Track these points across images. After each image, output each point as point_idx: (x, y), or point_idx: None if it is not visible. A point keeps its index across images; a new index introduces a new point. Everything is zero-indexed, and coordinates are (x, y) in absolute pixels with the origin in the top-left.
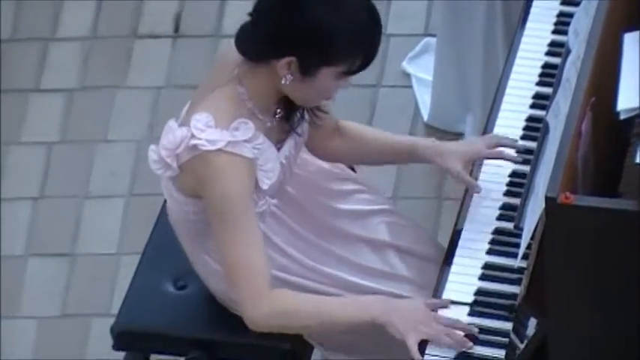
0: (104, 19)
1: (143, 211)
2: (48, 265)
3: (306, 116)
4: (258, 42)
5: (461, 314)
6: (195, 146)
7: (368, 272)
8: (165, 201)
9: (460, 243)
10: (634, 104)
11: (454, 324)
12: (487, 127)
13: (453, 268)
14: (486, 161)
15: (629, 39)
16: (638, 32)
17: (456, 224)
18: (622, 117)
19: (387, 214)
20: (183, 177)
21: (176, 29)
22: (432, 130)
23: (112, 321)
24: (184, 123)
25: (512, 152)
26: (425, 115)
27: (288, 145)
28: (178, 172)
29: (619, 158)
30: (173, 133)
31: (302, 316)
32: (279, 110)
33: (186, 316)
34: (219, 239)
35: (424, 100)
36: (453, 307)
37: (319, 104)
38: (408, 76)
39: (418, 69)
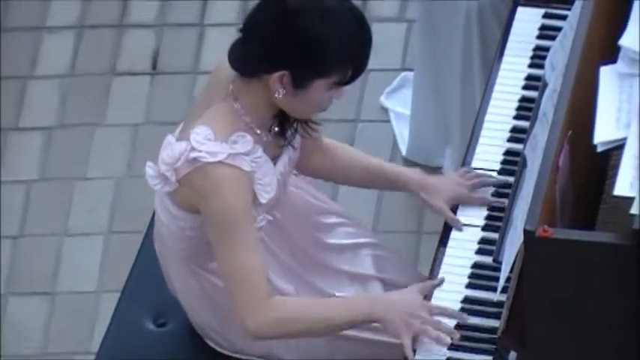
0: (82, 56)
1: (123, 248)
2: (28, 303)
3: (300, 130)
4: (249, 58)
5: (441, 347)
6: (195, 159)
7: None
8: (146, 233)
9: (439, 277)
10: (611, 137)
11: (444, 312)
12: (465, 161)
13: (433, 301)
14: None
15: (605, 72)
16: (614, 65)
17: (435, 258)
18: (599, 150)
19: (371, 247)
20: (181, 191)
21: (154, 66)
22: (410, 164)
23: (92, 359)
24: (182, 138)
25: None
26: (403, 149)
27: (283, 161)
28: (177, 187)
29: (597, 191)
30: (172, 148)
31: (301, 322)
32: (274, 126)
33: (166, 353)
34: (217, 251)
35: (402, 135)
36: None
37: (313, 116)
38: (385, 110)
39: (396, 103)
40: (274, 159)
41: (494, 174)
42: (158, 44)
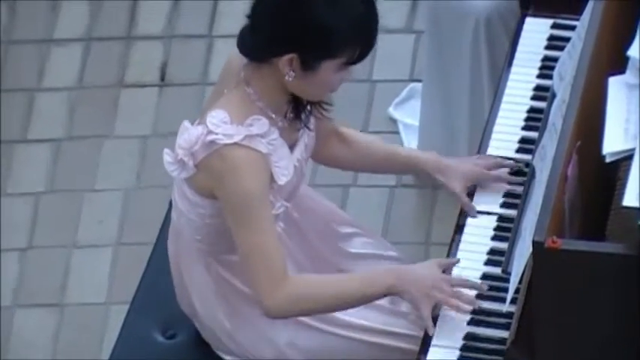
0: (90, 68)
1: (131, 260)
2: (36, 315)
3: (314, 111)
4: (258, 43)
5: (450, 358)
6: (212, 142)
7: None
8: (155, 244)
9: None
10: (620, 147)
11: (465, 283)
12: None
13: (442, 312)
14: (475, 206)
15: (614, 83)
16: (622, 76)
17: (444, 270)
18: (608, 160)
19: (393, 261)
20: (199, 176)
21: (162, 78)
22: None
23: None
24: (198, 124)
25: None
26: None
27: (300, 147)
28: (194, 172)
29: (606, 201)
30: (189, 132)
31: (320, 300)
32: (288, 111)
33: None
34: (235, 232)
35: (411, 146)
36: (442, 349)
37: (324, 97)
38: (394, 121)
39: (404, 114)
40: (291, 146)
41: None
42: (166, 56)
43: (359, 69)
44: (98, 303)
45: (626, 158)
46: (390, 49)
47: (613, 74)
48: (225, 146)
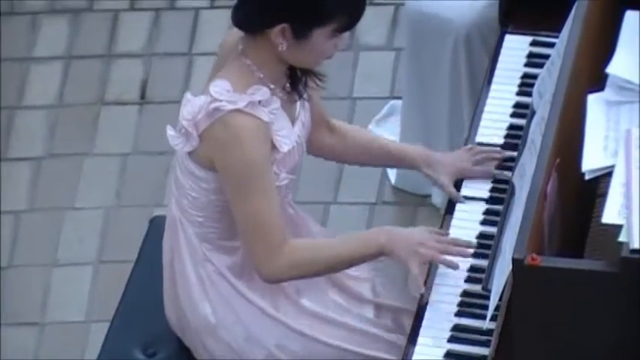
0: (70, 86)
1: (112, 278)
2: (17, 334)
3: (309, 82)
4: (250, 15)
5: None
6: (216, 109)
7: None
8: (136, 262)
9: (429, 306)
10: (599, 164)
11: (455, 241)
12: (454, 187)
13: (422, 331)
14: (454, 224)
15: (593, 100)
16: (601, 93)
17: (425, 282)
18: (587, 177)
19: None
20: (203, 147)
21: (142, 95)
22: (399, 193)
23: None
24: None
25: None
26: (392, 177)
27: (298, 124)
28: (198, 143)
29: (586, 218)
30: (191, 103)
31: (315, 264)
32: (286, 83)
33: None
34: (234, 200)
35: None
36: None
37: (319, 65)
38: None
39: (385, 131)
40: (291, 122)
41: (483, 204)
42: (146, 73)
43: (340, 86)
44: (79, 321)
45: (606, 175)
46: (371, 67)
47: (592, 91)
48: (228, 113)
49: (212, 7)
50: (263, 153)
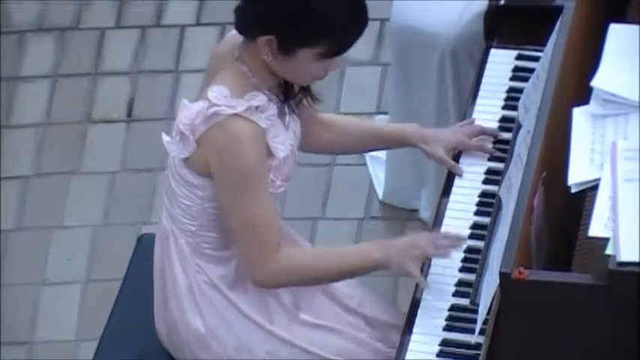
0: (57, 105)
1: (101, 296)
2: (7, 353)
3: (303, 99)
4: (245, 20)
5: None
6: (215, 113)
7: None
8: (124, 280)
9: (417, 320)
10: (585, 177)
11: (444, 235)
12: (441, 203)
13: (411, 346)
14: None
15: (579, 113)
16: (586, 106)
17: (412, 301)
18: (573, 191)
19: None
20: (199, 152)
21: (129, 113)
22: (387, 208)
23: None
24: (198, 100)
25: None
26: (379, 192)
27: (290, 133)
28: (194, 149)
29: (573, 231)
30: (189, 108)
31: (309, 272)
32: (280, 95)
33: None
34: (229, 206)
35: (378, 178)
36: None
37: (310, 84)
38: (361, 154)
39: None
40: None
41: (470, 215)
42: (133, 91)
43: (327, 100)
44: (68, 340)
45: (592, 188)
46: (357, 82)
47: (577, 105)
48: (226, 118)
49: (198, 24)
50: (259, 158)
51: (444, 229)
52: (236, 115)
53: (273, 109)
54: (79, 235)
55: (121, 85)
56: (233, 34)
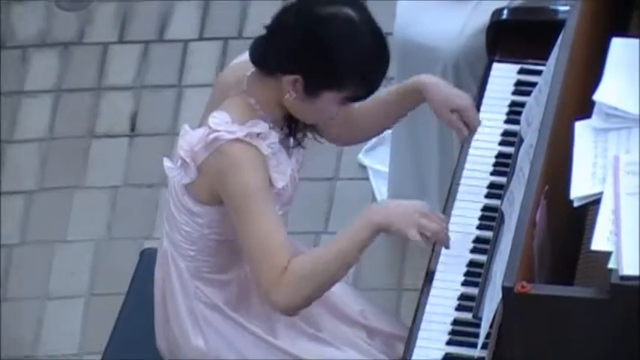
0: (61, 119)
1: (104, 311)
2: None
3: (310, 134)
4: (270, 55)
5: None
6: (215, 139)
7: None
8: (127, 294)
9: (420, 334)
10: (587, 191)
11: (445, 221)
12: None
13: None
14: (444, 252)
15: (581, 127)
16: (589, 120)
17: (415, 315)
18: (576, 204)
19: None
20: (201, 179)
21: (132, 128)
22: None
23: None
24: (199, 127)
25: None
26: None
27: (293, 157)
28: (196, 176)
29: (575, 245)
30: (190, 135)
31: (321, 268)
32: (284, 127)
33: None
34: (239, 229)
35: (381, 192)
36: None
37: (319, 123)
38: (364, 168)
39: (374, 161)
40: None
41: (473, 229)
42: (136, 106)
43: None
44: (71, 354)
45: (595, 202)
46: None
47: (579, 119)
48: (226, 143)
49: (201, 39)
50: (261, 179)
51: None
52: (236, 139)
53: (274, 137)
54: (82, 250)
55: (123, 100)
56: (239, 64)
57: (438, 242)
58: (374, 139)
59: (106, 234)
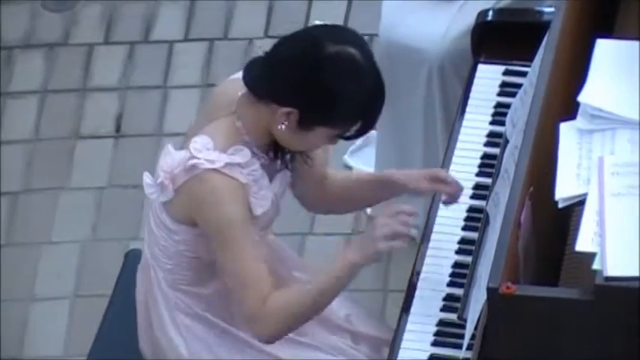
0: (46, 120)
1: (89, 312)
2: None
3: (297, 158)
4: (266, 83)
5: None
6: (193, 166)
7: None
8: (112, 296)
9: (405, 335)
10: (572, 193)
11: (401, 210)
12: (429, 217)
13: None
14: (429, 253)
15: (565, 128)
16: (573, 121)
17: (400, 316)
18: (560, 206)
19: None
20: (178, 200)
21: (118, 129)
22: None
23: None
24: (182, 148)
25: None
26: (367, 208)
27: (276, 181)
28: (173, 196)
29: (560, 246)
30: (171, 156)
31: (300, 308)
32: (271, 152)
33: None
34: (218, 257)
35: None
36: None
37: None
38: (349, 169)
39: (360, 162)
40: (270, 179)
41: (458, 230)
42: (121, 107)
43: None
44: (56, 356)
45: (579, 203)
46: None
47: (564, 120)
48: (205, 171)
49: (186, 40)
50: (240, 211)
51: (432, 244)
52: (215, 169)
53: (255, 164)
54: (67, 251)
55: (109, 101)
56: (235, 82)
57: (401, 239)
58: (359, 141)
59: (92, 235)
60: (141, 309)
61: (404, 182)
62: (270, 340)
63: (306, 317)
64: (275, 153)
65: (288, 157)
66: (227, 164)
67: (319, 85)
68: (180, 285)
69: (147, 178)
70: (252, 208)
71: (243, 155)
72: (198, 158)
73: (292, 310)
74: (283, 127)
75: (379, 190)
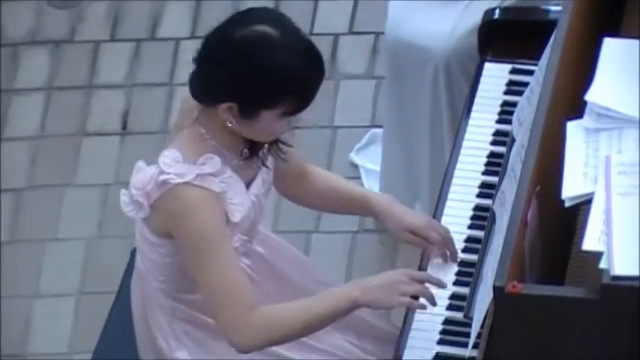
0: (52, 117)
1: (94, 309)
2: None
3: (273, 151)
4: (201, 87)
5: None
6: (164, 181)
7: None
8: (118, 293)
9: (411, 334)
10: (579, 191)
11: (429, 278)
12: (435, 216)
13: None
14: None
15: (572, 127)
16: (580, 120)
17: (406, 314)
18: (567, 204)
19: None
20: (155, 216)
21: (124, 126)
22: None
23: None
24: (153, 163)
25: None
26: None
27: (257, 182)
28: (150, 212)
29: (566, 245)
30: (143, 172)
31: (288, 326)
32: (245, 150)
33: None
34: (195, 271)
35: (372, 191)
36: None
37: (277, 138)
38: (355, 167)
39: (366, 160)
40: (249, 181)
41: (464, 228)
42: (127, 104)
43: (320, 115)
44: (61, 353)
45: (586, 202)
46: (351, 95)
47: (571, 119)
48: (177, 186)
49: (193, 37)
50: (216, 222)
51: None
52: (186, 182)
53: (227, 171)
54: (72, 248)
55: (115, 98)
56: None
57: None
58: (365, 138)
59: (97, 232)
60: (138, 320)
61: (384, 220)
62: (246, 351)
63: (292, 338)
64: (249, 150)
65: (262, 152)
66: (198, 175)
67: (240, 72)
68: (176, 293)
69: (123, 195)
70: (229, 216)
71: (213, 164)
72: (168, 173)
73: (279, 329)
74: (232, 122)
75: (352, 208)
